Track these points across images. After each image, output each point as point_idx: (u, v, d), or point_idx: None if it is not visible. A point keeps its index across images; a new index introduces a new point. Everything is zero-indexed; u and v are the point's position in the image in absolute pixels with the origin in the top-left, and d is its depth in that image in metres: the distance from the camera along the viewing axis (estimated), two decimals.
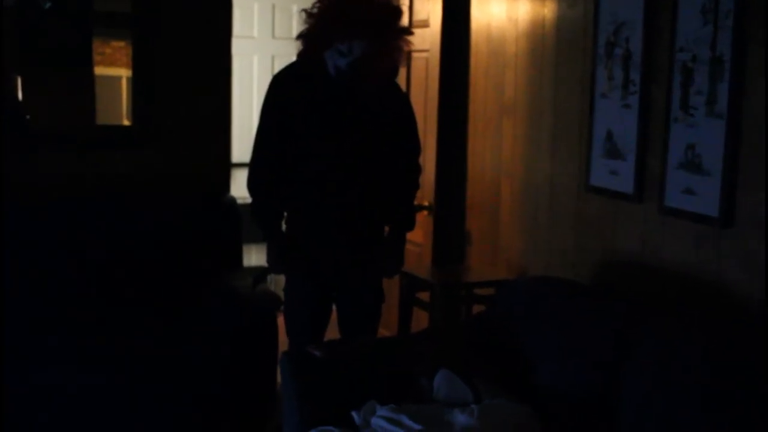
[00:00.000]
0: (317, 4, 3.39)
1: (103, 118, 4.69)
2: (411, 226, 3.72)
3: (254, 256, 6.29)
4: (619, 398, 2.83)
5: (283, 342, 3.73)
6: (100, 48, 4.68)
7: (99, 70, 4.67)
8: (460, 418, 2.79)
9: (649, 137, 3.40)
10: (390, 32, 3.38)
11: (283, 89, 3.50)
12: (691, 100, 3.14)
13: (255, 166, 3.56)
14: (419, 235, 4.69)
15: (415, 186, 3.74)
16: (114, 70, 4.72)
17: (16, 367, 3.62)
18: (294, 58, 3.63)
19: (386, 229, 3.71)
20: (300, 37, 3.44)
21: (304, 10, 3.43)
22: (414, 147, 3.70)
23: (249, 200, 3.60)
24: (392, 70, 3.57)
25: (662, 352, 2.76)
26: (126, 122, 4.71)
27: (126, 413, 3.67)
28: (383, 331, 4.28)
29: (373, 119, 3.51)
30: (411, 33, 3.49)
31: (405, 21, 3.47)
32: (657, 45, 3.34)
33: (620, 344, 2.91)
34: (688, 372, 2.64)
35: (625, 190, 3.51)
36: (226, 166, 4.78)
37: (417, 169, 3.73)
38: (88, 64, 4.61)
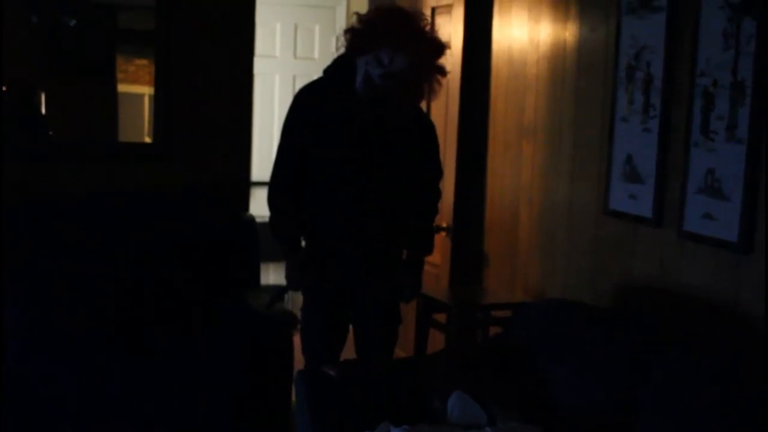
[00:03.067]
0: (374, 11, 3.40)
1: (125, 135, 4.72)
2: (429, 250, 3.72)
3: (272, 275, 6.29)
4: (634, 423, 2.80)
5: (298, 361, 3.72)
6: (123, 65, 4.72)
7: (122, 88, 4.70)
8: None
9: (668, 161, 3.39)
10: (433, 63, 3.40)
11: (307, 105, 3.51)
12: (712, 124, 3.13)
13: (275, 182, 3.57)
14: (437, 257, 4.68)
15: (435, 210, 3.74)
16: (137, 87, 4.75)
17: (34, 378, 3.62)
18: (315, 78, 3.65)
19: (404, 252, 3.71)
20: (348, 31, 3.43)
21: (356, 13, 3.45)
22: (435, 171, 3.70)
23: (268, 219, 3.60)
24: (415, 100, 3.57)
25: (679, 377, 2.74)
26: (147, 140, 4.74)
27: (139, 429, 3.67)
28: (399, 352, 4.26)
29: (395, 141, 3.51)
30: (446, 74, 3.50)
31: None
32: (678, 69, 3.33)
33: (637, 369, 2.89)
34: (704, 398, 2.62)
35: (644, 214, 3.49)
36: (246, 184, 4.80)
37: (437, 194, 3.73)
38: (112, 81, 4.65)
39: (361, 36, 3.38)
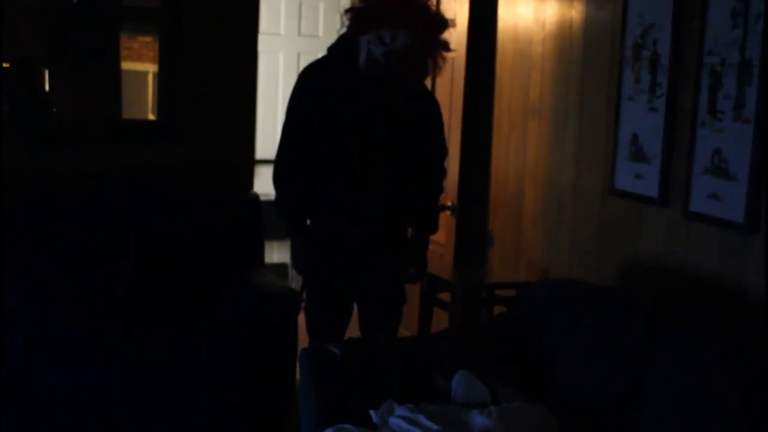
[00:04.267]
0: None
1: (129, 112, 4.71)
2: (434, 229, 3.71)
3: (276, 253, 6.30)
4: (638, 404, 2.81)
5: (302, 339, 3.73)
6: (127, 43, 4.70)
7: (126, 65, 4.68)
8: (478, 419, 2.78)
9: (675, 141, 3.37)
10: (436, 39, 3.38)
11: (311, 83, 3.50)
12: (719, 104, 3.11)
13: (280, 160, 3.55)
14: (441, 236, 4.67)
15: (440, 189, 3.73)
16: (141, 65, 4.73)
17: (32, 363, 3.62)
18: (320, 56, 3.63)
19: (409, 231, 3.70)
20: (349, 11, 3.41)
21: None
22: (440, 150, 3.69)
23: (272, 197, 3.60)
24: (419, 77, 3.55)
25: (683, 358, 2.74)
26: (151, 117, 4.72)
27: (144, 408, 3.68)
28: (403, 331, 4.27)
29: (400, 119, 3.50)
30: (451, 50, 3.48)
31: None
32: (685, 48, 3.31)
33: (641, 350, 2.89)
34: (709, 380, 2.61)
35: (650, 194, 3.48)
36: (250, 162, 4.79)
37: (442, 172, 3.72)
38: (116, 58, 4.63)
39: (362, 15, 3.36)
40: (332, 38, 3.69)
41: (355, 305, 3.69)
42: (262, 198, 4.55)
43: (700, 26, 3.19)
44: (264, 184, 4.53)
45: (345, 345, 3.28)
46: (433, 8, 3.44)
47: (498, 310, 4.19)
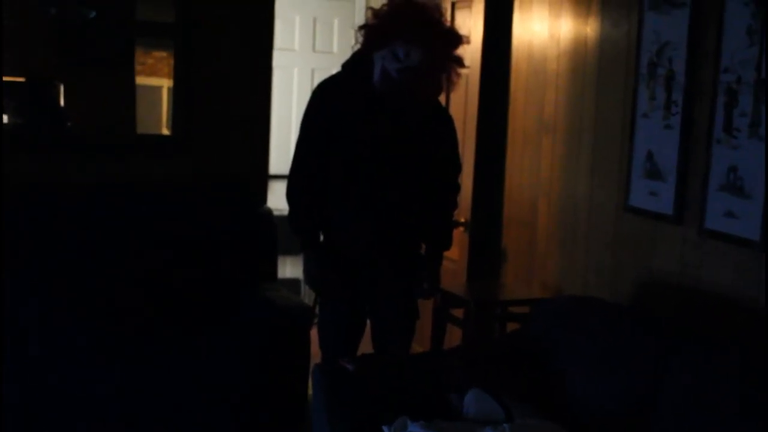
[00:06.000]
0: (387, 5, 3.38)
1: (143, 127, 4.72)
2: (448, 245, 3.70)
3: (289, 268, 6.30)
4: (653, 420, 2.79)
5: (315, 354, 3.72)
6: (142, 58, 4.72)
7: (140, 80, 4.70)
8: None
9: (690, 158, 3.36)
10: (450, 55, 3.38)
11: (325, 100, 3.50)
12: (735, 121, 3.10)
13: (294, 176, 3.56)
14: (455, 252, 4.66)
15: (454, 205, 3.73)
16: (155, 80, 4.75)
17: (43, 370, 3.63)
18: (334, 71, 3.64)
19: (422, 247, 3.70)
20: (363, 27, 3.42)
21: (370, 8, 3.44)
22: (454, 165, 3.69)
23: (286, 212, 3.60)
24: (434, 93, 3.55)
25: (698, 376, 2.73)
26: (166, 132, 4.74)
27: (155, 422, 3.67)
28: (416, 347, 4.26)
29: (415, 135, 3.50)
30: (465, 66, 3.47)
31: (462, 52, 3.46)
32: (701, 65, 3.30)
33: (656, 367, 2.87)
34: (723, 398, 2.60)
35: (665, 212, 3.47)
36: (264, 177, 4.79)
37: (456, 188, 3.72)
38: (130, 73, 4.65)
39: (375, 32, 3.37)
40: (346, 54, 3.71)
41: (368, 321, 3.69)
42: (276, 213, 4.56)
43: (716, 44, 3.18)
44: (278, 198, 4.53)
45: (358, 361, 3.27)
46: (447, 24, 3.44)
47: (511, 326, 4.17)
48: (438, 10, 3.41)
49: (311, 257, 3.58)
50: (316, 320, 3.77)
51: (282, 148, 5.96)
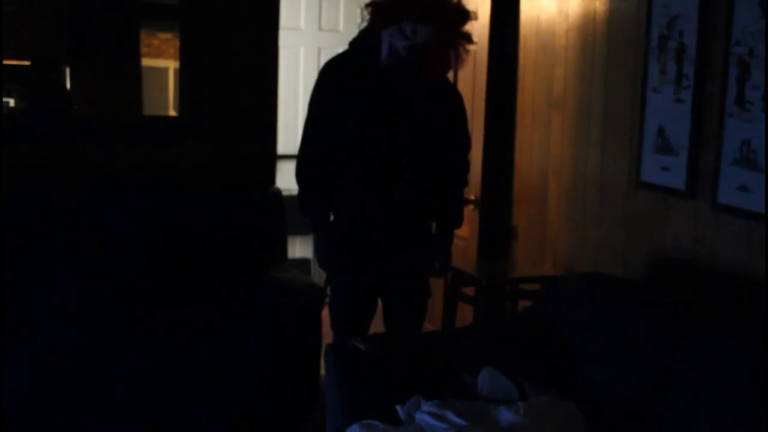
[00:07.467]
0: None
1: (149, 109, 4.71)
2: (459, 223, 3.69)
3: (299, 249, 6.30)
4: (666, 399, 2.77)
5: (327, 334, 3.72)
6: (148, 39, 4.70)
7: (146, 62, 4.69)
8: (506, 414, 2.76)
9: (702, 133, 3.34)
10: (459, 31, 3.35)
11: (333, 78, 3.48)
12: (747, 94, 3.07)
13: (303, 156, 3.54)
14: (465, 230, 4.65)
15: (464, 183, 3.71)
16: (161, 61, 4.74)
17: (54, 358, 3.64)
18: (341, 50, 3.61)
19: (433, 225, 3.68)
20: (370, 5, 3.39)
21: None
22: (464, 143, 3.66)
23: (294, 192, 3.58)
24: (442, 70, 3.52)
25: (711, 352, 2.71)
26: (172, 113, 4.72)
27: (169, 403, 3.68)
28: (427, 326, 4.25)
29: (424, 113, 3.48)
30: (474, 42, 3.44)
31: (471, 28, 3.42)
32: (712, 38, 3.27)
33: (670, 344, 2.85)
34: (738, 374, 2.58)
35: (677, 186, 3.45)
36: (272, 157, 4.78)
37: (466, 166, 3.70)
38: (136, 55, 4.63)
39: (382, 9, 3.34)
40: (353, 33, 3.69)
41: (379, 300, 3.68)
42: (285, 193, 4.55)
43: (727, 16, 3.15)
44: (286, 179, 4.52)
45: (370, 340, 3.27)
46: (455, 0, 3.41)
47: (523, 304, 4.16)
48: None
49: (321, 238, 3.57)
50: (327, 300, 3.76)
51: (289, 127, 5.94)
